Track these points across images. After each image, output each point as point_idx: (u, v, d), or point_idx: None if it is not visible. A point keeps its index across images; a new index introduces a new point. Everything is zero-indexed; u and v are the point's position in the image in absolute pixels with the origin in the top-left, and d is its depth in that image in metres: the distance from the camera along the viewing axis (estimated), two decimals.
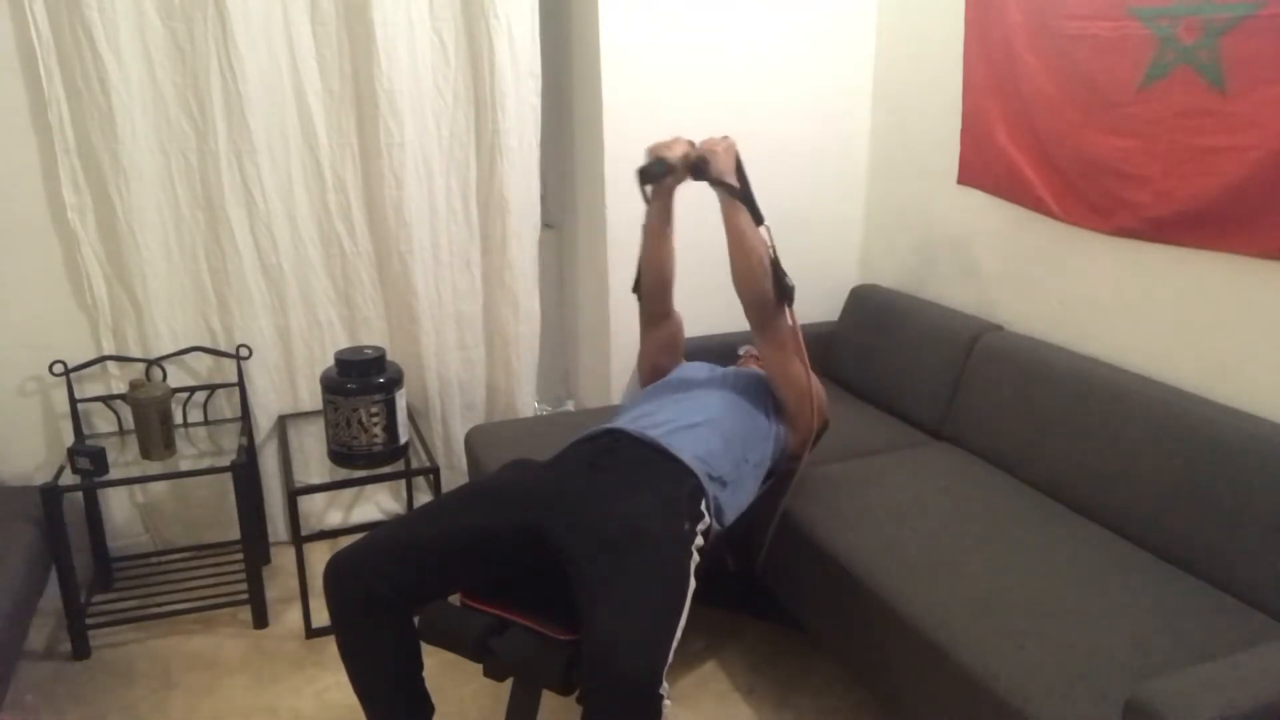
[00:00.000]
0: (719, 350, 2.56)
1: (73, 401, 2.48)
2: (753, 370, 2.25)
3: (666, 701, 1.42)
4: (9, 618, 1.90)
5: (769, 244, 2.00)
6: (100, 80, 2.31)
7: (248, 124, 2.47)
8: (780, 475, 2.12)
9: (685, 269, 2.88)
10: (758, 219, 2.00)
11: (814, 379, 2.08)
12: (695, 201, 2.84)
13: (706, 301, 2.96)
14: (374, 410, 2.43)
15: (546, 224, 2.96)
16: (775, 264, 1.99)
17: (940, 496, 2.11)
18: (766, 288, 1.96)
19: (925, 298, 2.80)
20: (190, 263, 2.56)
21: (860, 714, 2.10)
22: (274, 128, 2.53)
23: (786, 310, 2.03)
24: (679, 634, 1.51)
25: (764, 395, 2.08)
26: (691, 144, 2.07)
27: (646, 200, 2.13)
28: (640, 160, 2.07)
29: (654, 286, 2.21)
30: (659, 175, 2.03)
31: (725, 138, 2.02)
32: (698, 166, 1.99)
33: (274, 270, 2.62)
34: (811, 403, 2.05)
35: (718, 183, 1.98)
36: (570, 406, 3.30)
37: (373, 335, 2.79)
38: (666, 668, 1.44)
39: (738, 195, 1.98)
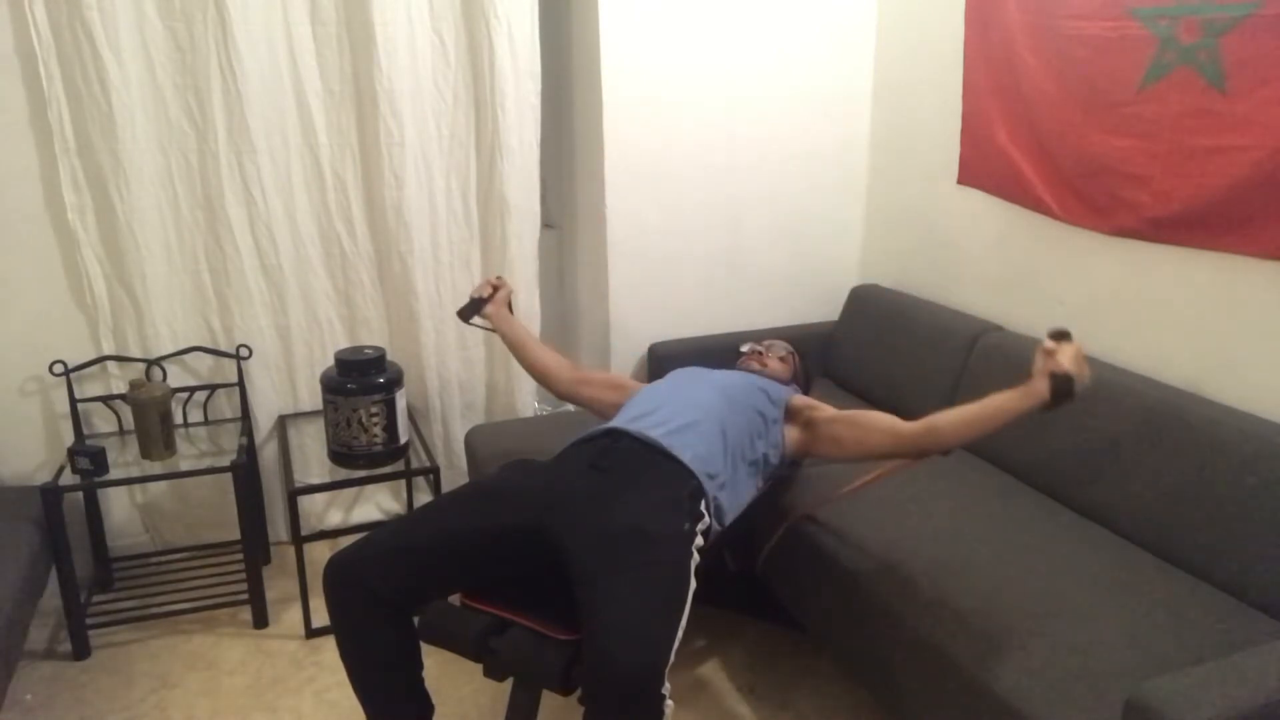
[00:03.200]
0: (719, 350, 2.56)
1: (73, 401, 2.48)
2: (752, 373, 2.24)
3: (669, 702, 1.42)
4: (9, 618, 1.90)
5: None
6: (100, 80, 2.31)
7: (248, 124, 2.47)
8: (781, 477, 2.11)
9: (685, 270, 2.90)
10: None
11: (872, 418, 1.95)
12: (695, 201, 2.86)
13: (706, 301, 2.97)
14: (374, 410, 2.43)
15: (546, 224, 2.96)
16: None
17: (940, 497, 2.11)
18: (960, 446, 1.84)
19: (925, 298, 2.80)
20: (190, 263, 2.56)
21: (860, 714, 2.10)
22: (274, 128, 2.53)
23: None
24: (680, 634, 1.51)
25: (763, 397, 2.07)
26: (497, 278, 2.38)
27: (482, 326, 2.39)
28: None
29: (543, 380, 2.34)
30: (475, 309, 2.32)
31: (1074, 346, 1.63)
32: (1064, 389, 1.60)
33: (274, 270, 2.62)
34: (903, 440, 1.87)
35: (1062, 404, 1.63)
36: (570, 406, 3.30)
37: (373, 335, 2.79)
38: (668, 667, 1.44)
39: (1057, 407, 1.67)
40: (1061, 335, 1.65)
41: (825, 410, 2.04)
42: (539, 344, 2.37)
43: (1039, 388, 1.62)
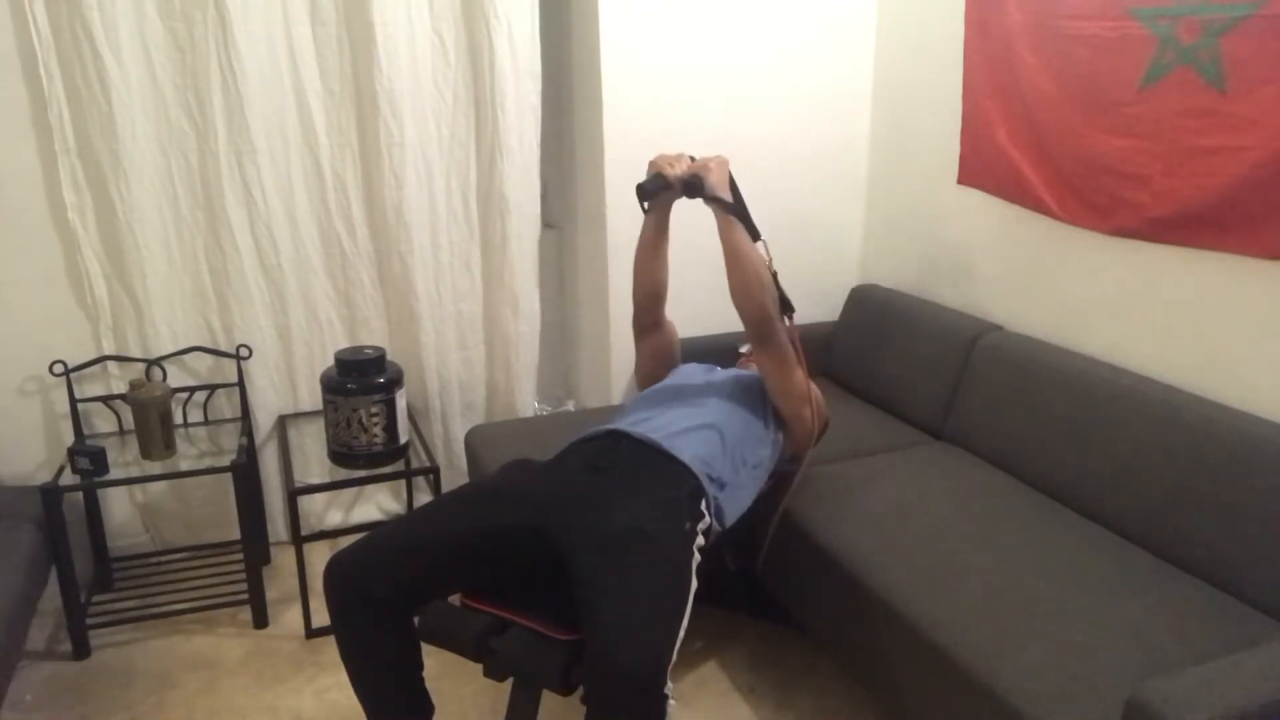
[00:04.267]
0: (719, 350, 2.56)
1: (73, 401, 2.48)
2: (753, 373, 2.25)
3: (671, 701, 1.42)
4: (9, 618, 1.90)
5: (767, 258, 2.00)
6: (100, 80, 2.31)
7: (248, 124, 2.47)
8: (781, 477, 2.12)
9: (685, 270, 2.89)
10: (754, 235, 1.99)
11: (811, 384, 2.08)
12: (694, 201, 2.85)
13: (707, 302, 2.96)
14: (374, 410, 2.43)
15: (546, 224, 2.96)
16: (774, 277, 2.00)
17: (941, 496, 2.11)
18: (765, 302, 1.96)
19: (925, 298, 2.80)
20: (190, 263, 2.56)
21: (860, 714, 2.10)
22: (274, 128, 2.53)
23: (787, 321, 2.04)
24: (682, 633, 1.51)
25: (764, 398, 2.08)
26: (694, 159, 2.11)
27: (645, 212, 2.18)
28: (642, 166, 2.11)
29: (646, 298, 2.23)
30: (657, 192, 2.07)
31: (718, 156, 2.04)
32: (690, 184, 2.00)
33: (274, 270, 2.62)
34: (812, 408, 2.05)
35: (711, 199, 1.99)
36: (570, 406, 3.30)
37: (373, 335, 2.79)
38: (670, 667, 1.44)
39: (732, 211, 1.98)
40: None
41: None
42: (667, 260, 2.21)
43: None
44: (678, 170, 2.05)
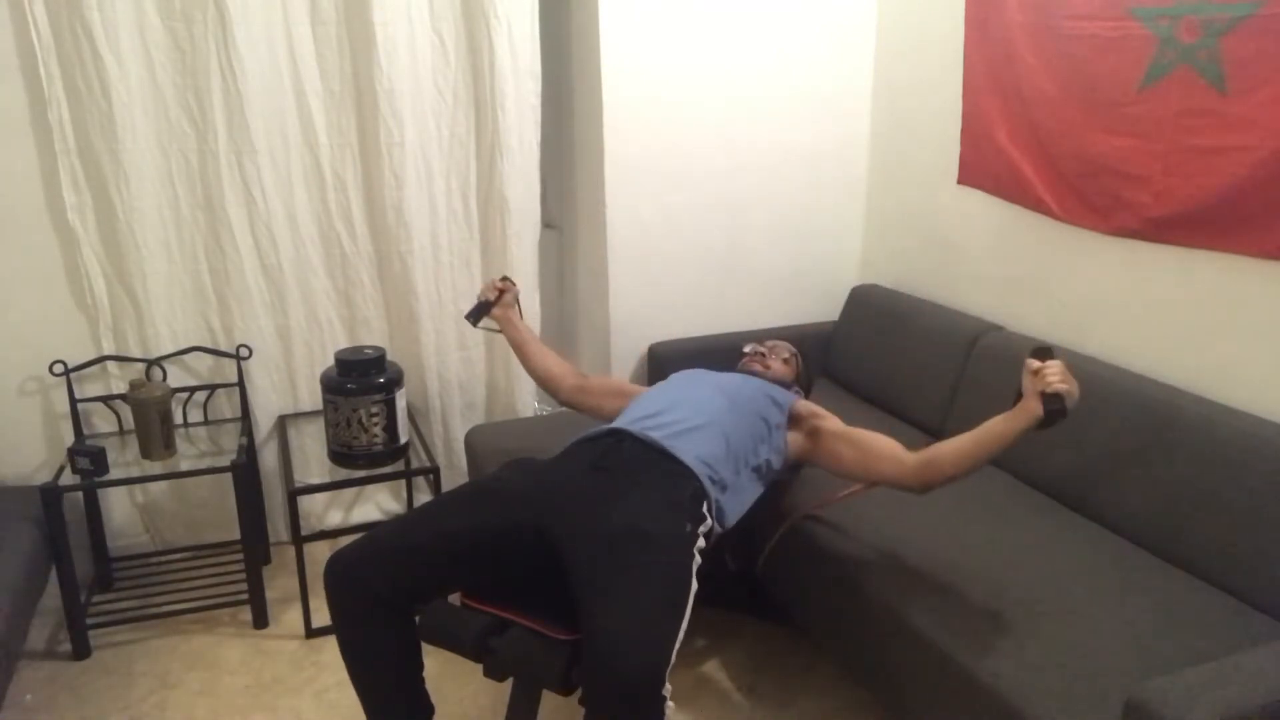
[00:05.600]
0: (720, 350, 2.56)
1: (73, 401, 2.48)
2: (755, 376, 2.24)
3: (669, 703, 1.42)
4: (9, 618, 1.90)
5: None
6: (100, 80, 2.31)
7: (248, 124, 2.47)
8: (782, 480, 2.11)
9: (684, 270, 2.91)
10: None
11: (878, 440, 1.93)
12: (695, 201, 2.86)
13: (706, 302, 2.97)
14: (374, 410, 2.43)
15: (546, 224, 2.96)
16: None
17: (940, 497, 2.09)
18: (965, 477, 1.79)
19: (925, 298, 2.80)
20: (190, 263, 2.56)
21: (860, 714, 2.10)
22: (274, 128, 2.53)
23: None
24: (681, 635, 1.51)
25: (766, 401, 2.07)
26: (503, 278, 2.38)
27: (489, 329, 2.39)
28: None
29: (545, 385, 2.35)
30: (483, 312, 2.33)
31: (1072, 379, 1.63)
32: (1054, 407, 1.59)
33: (274, 270, 2.62)
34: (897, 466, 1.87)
35: (1059, 419, 1.61)
36: None
37: (373, 335, 2.79)
38: (669, 669, 1.44)
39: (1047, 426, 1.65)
40: (1045, 353, 1.64)
41: (830, 422, 2.01)
42: (543, 348, 2.37)
43: (1032, 408, 1.59)
44: (490, 294, 2.34)
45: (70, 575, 2.23)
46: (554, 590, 1.62)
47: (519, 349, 2.37)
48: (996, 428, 1.67)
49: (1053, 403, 1.57)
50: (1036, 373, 1.61)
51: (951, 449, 1.74)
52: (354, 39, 2.54)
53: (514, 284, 2.40)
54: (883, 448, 1.88)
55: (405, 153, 2.63)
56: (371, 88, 2.56)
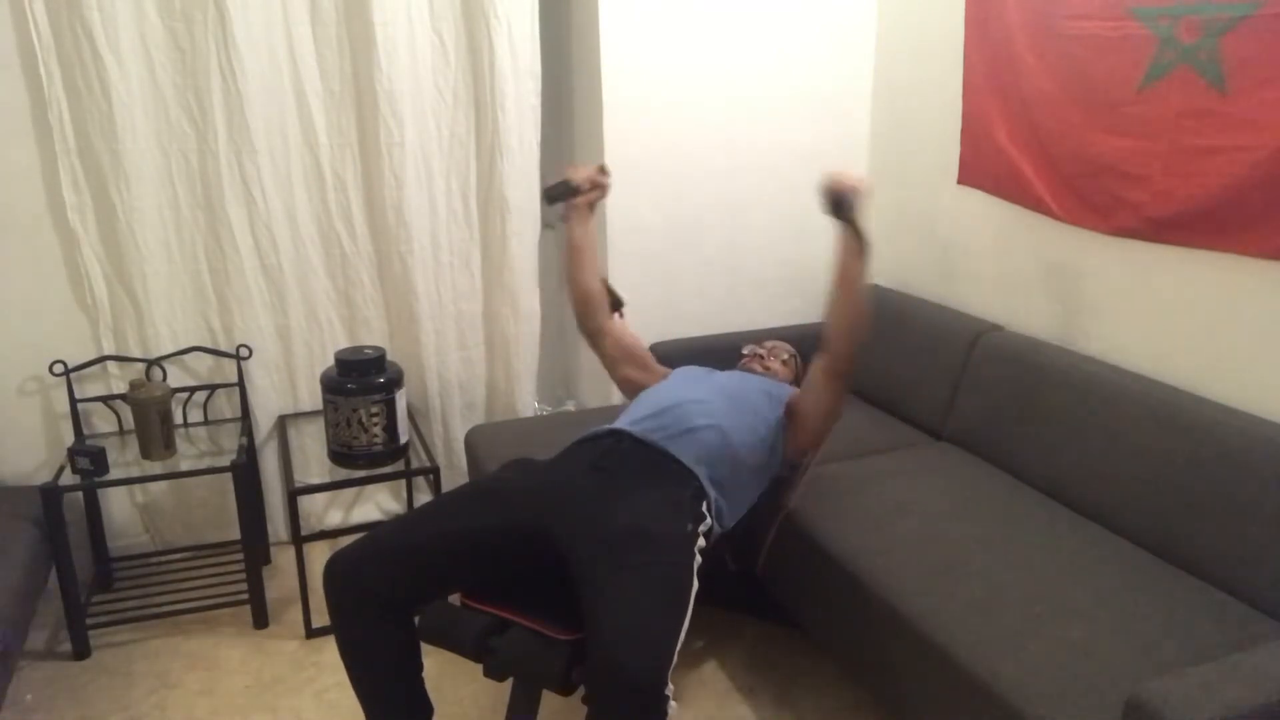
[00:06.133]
0: (720, 350, 2.56)
1: (73, 401, 2.48)
2: (754, 375, 2.25)
3: (672, 703, 1.42)
4: (9, 618, 1.90)
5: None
6: (100, 80, 2.31)
7: (248, 124, 2.47)
8: (781, 478, 2.11)
9: (684, 271, 2.91)
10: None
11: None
12: (695, 201, 2.86)
13: (706, 302, 2.97)
14: (374, 410, 2.43)
15: (546, 224, 2.96)
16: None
17: (940, 496, 2.11)
18: (862, 338, 1.96)
19: (925, 298, 2.80)
20: (190, 263, 2.56)
21: (860, 714, 2.10)
22: (274, 128, 2.53)
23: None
24: (683, 634, 1.51)
25: (765, 400, 2.07)
26: (602, 168, 2.16)
27: (560, 219, 2.21)
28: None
29: (578, 304, 2.25)
30: (561, 196, 2.13)
31: (860, 178, 1.91)
32: (840, 200, 1.87)
33: (274, 270, 2.62)
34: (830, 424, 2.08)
35: (853, 223, 1.89)
36: (570, 406, 3.30)
37: (373, 335, 2.79)
38: (671, 668, 1.44)
39: (866, 242, 1.89)
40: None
41: (796, 391, 2.12)
42: (596, 265, 2.24)
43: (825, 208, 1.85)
44: (580, 175, 2.12)
45: (70, 575, 2.23)
46: (554, 590, 1.62)
47: (576, 252, 2.20)
48: (834, 271, 1.92)
49: (827, 193, 1.87)
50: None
51: (829, 324, 1.96)
52: (354, 39, 2.54)
53: (608, 181, 2.17)
54: (809, 372, 2.05)
55: (405, 153, 2.63)
56: (371, 88, 2.56)
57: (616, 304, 2.27)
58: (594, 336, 2.27)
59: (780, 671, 2.25)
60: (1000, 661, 1.53)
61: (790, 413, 2.07)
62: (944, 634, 1.63)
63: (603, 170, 2.18)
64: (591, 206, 2.22)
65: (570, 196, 2.14)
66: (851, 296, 1.92)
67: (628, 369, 2.24)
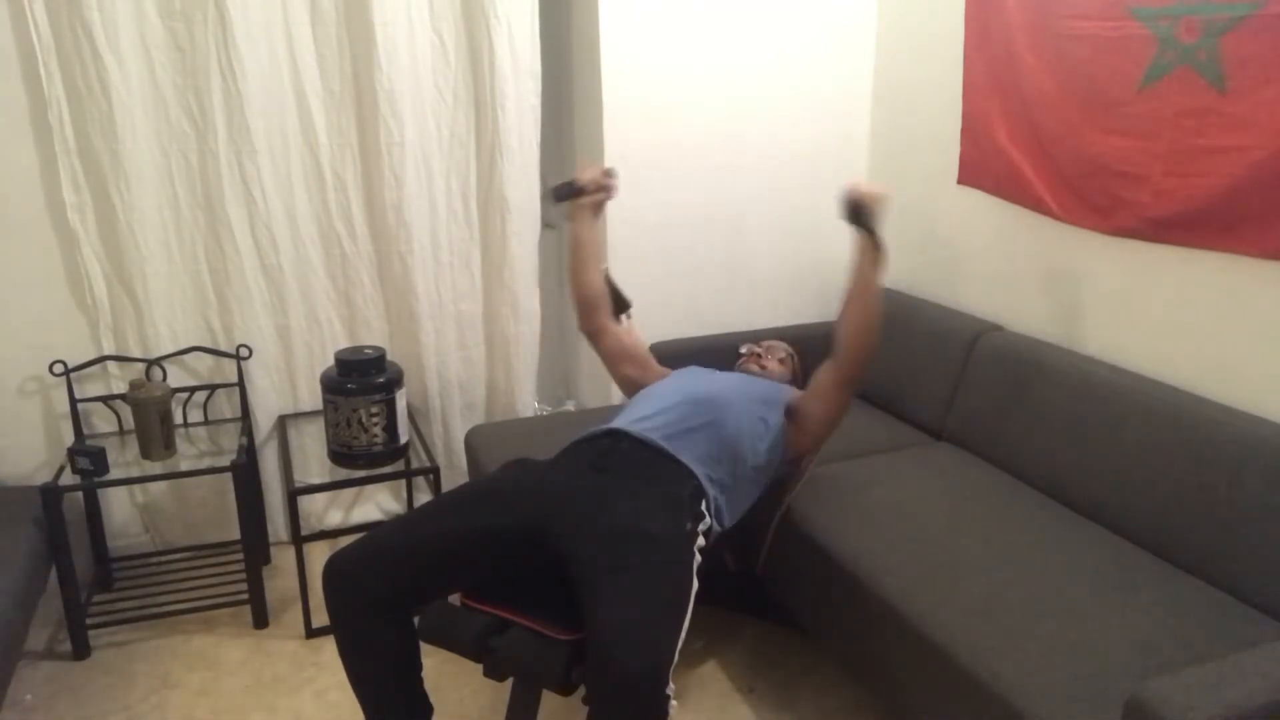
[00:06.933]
0: (720, 350, 2.56)
1: (73, 401, 2.47)
2: (754, 375, 2.25)
3: (673, 702, 1.42)
4: (9, 618, 1.90)
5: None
6: (100, 80, 2.31)
7: (248, 124, 2.47)
8: (781, 478, 2.11)
9: (684, 272, 2.91)
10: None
11: None
12: (695, 201, 2.86)
13: (706, 301, 2.97)
14: (374, 410, 2.43)
15: (546, 224, 2.96)
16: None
17: (940, 496, 2.11)
18: (877, 347, 1.99)
19: (925, 298, 2.80)
20: (190, 263, 2.55)
21: (860, 714, 2.10)
22: (274, 128, 2.53)
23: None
24: (684, 634, 1.51)
25: (764, 400, 2.08)
26: (609, 171, 2.18)
27: (564, 219, 2.22)
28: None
29: (580, 304, 2.26)
30: (567, 196, 2.17)
31: (882, 188, 1.95)
32: (858, 209, 1.91)
33: (274, 270, 2.62)
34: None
35: (873, 233, 1.92)
36: (570, 406, 3.30)
37: (373, 335, 2.79)
38: (672, 668, 1.44)
39: (883, 252, 1.93)
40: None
41: (801, 394, 2.12)
42: (598, 267, 2.25)
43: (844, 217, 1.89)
44: (586, 176, 2.14)
45: (70, 575, 2.23)
46: (554, 590, 1.62)
47: (578, 251, 2.21)
48: (851, 279, 1.95)
49: (846, 201, 1.89)
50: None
51: (841, 329, 1.98)
52: (354, 39, 2.54)
53: (615, 182, 2.20)
54: (817, 377, 2.06)
55: (405, 153, 2.63)
56: (371, 88, 2.56)
57: (623, 306, 2.27)
58: (594, 336, 2.27)
59: (780, 671, 2.25)
60: (1000, 661, 1.53)
61: (792, 415, 2.07)
62: (944, 634, 1.63)
63: (610, 173, 2.20)
64: (597, 208, 2.23)
65: (576, 197, 2.17)
66: (867, 305, 1.94)
67: (627, 368, 2.25)
